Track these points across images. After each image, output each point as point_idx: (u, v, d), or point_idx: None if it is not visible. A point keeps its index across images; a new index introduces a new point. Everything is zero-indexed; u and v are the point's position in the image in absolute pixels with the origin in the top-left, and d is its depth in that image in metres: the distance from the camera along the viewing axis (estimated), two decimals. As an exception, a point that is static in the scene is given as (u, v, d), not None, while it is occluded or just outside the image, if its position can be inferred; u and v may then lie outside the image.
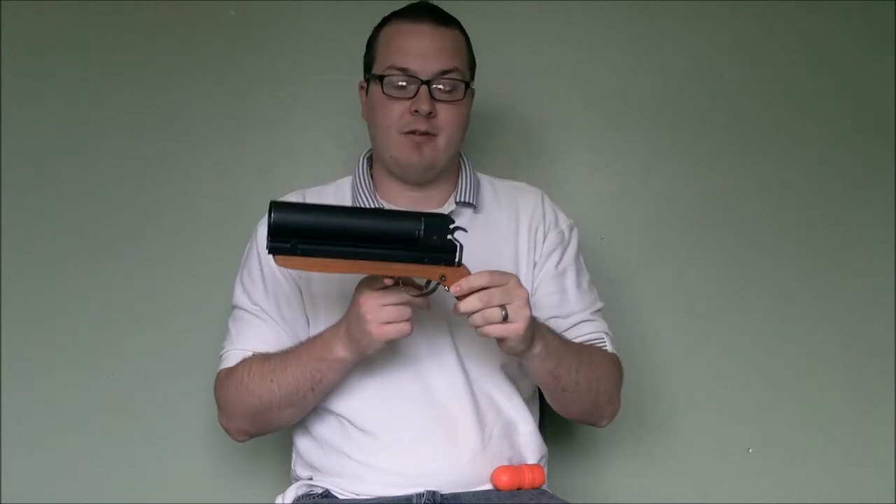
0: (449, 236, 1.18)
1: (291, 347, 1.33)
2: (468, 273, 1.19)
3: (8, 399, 1.68)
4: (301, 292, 1.38)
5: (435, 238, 1.17)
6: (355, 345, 1.24)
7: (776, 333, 1.76)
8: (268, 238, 1.13)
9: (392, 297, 1.20)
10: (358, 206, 1.40)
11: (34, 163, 1.72)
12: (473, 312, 1.18)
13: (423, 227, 1.16)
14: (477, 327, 1.20)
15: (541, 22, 1.78)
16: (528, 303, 1.20)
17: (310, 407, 1.34)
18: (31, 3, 1.73)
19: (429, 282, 1.21)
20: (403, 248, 1.17)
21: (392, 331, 1.20)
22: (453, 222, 1.19)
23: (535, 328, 1.24)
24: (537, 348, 1.25)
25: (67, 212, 1.72)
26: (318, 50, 1.76)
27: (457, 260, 1.19)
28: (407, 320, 1.20)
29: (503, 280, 1.19)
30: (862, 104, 1.80)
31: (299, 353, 1.30)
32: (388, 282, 1.20)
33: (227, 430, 1.39)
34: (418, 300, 1.22)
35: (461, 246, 1.19)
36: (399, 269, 1.17)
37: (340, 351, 1.25)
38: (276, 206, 1.13)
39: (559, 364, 1.29)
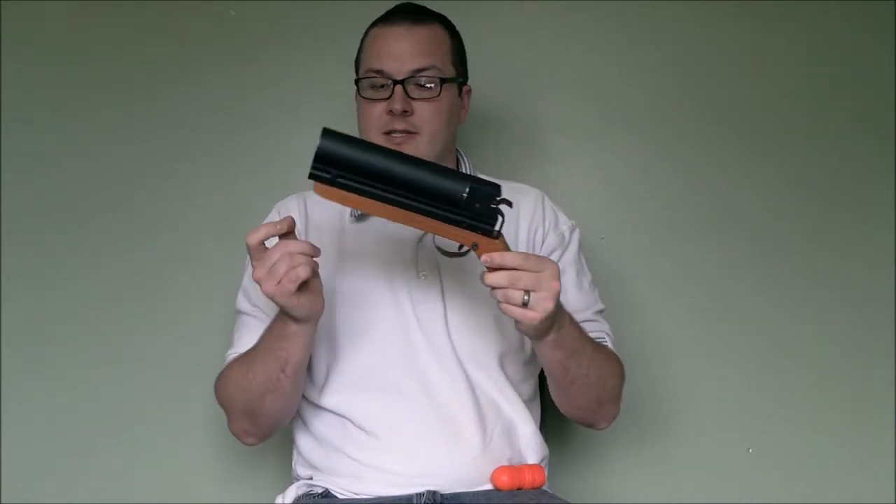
0: (493, 206, 1.14)
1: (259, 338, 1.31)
2: (504, 247, 1.17)
3: (8, 398, 1.68)
4: None
5: (477, 205, 1.14)
6: (290, 313, 1.22)
7: (776, 333, 1.76)
8: (312, 164, 1.11)
9: (273, 256, 1.14)
10: None
11: (34, 162, 1.72)
12: (497, 289, 1.17)
13: (467, 191, 1.13)
14: (498, 302, 1.18)
15: (541, 22, 1.79)
16: (556, 297, 1.17)
17: (289, 391, 1.30)
18: (31, 3, 1.73)
19: (461, 244, 1.18)
20: (443, 205, 1.14)
21: (284, 289, 1.16)
22: (500, 193, 1.15)
23: (557, 319, 1.22)
24: (550, 336, 1.24)
25: (67, 211, 1.72)
26: (318, 49, 1.76)
27: (496, 232, 1.16)
28: (295, 267, 1.15)
29: (539, 266, 1.16)
30: (862, 103, 1.80)
31: (262, 339, 1.29)
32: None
33: (235, 435, 1.39)
34: (295, 246, 1.15)
35: (503, 219, 1.16)
36: (432, 225, 1.15)
37: (291, 324, 1.23)
38: (325, 133, 1.11)
39: (570, 356, 1.28)
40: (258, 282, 1.17)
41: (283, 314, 1.23)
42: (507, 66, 1.74)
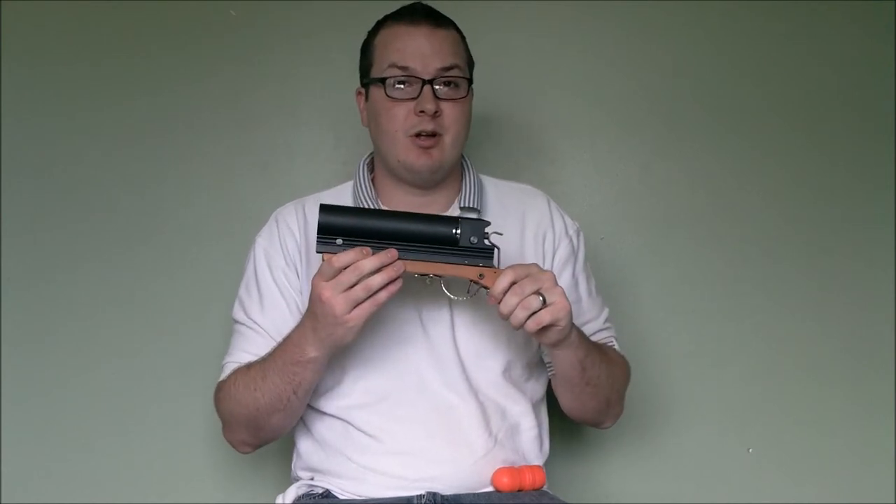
0: (486, 241, 1.23)
1: (268, 353, 1.31)
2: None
3: (8, 398, 1.67)
4: (299, 309, 1.36)
5: (473, 238, 1.22)
6: (327, 341, 1.22)
7: (777, 333, 1.76)
8: (317, 237, 1.20)
9: (350, 277, 1.17)
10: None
11: (34, 162, 1.72)
12: (515, 308, 1.18)
13: (458, 229, 1.22)
14: (525, 323, 1.19)
15: (541, 22, 1.78)
16: (556, 281, 1.21)
17: (297, 409, 1.32)
18: (31, 3, 1.73)
19: (472, 282, 1.24)
20: (443, 246, 1.22)
21: (362, 313, 1.18)
22: (488, 224, 1.23)
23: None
24: (573, 335, 1.26)
25: (67, 211, 1.72)
26: (318, 49, 1.76)
27: (495, 264, 1.23)
28: (372, 295, 1.18)
29: (526, 270, 1.20)
30: (862, 103, 1.80)
31: (275, 359, 1.29)
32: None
33: (231, 444, 1.40)
34: (367, 264, 1.17)
35: (498, 249, 1.22)
36: (437, 267, 1.22)
37: (312, 351, 1.24)
38: (322, 209, 1.21)
39: (587, 355, 1.30)
40: (330, 301, 1.17)
41: (304, 341, 1.23)
42: (507, 66, 1.74)
